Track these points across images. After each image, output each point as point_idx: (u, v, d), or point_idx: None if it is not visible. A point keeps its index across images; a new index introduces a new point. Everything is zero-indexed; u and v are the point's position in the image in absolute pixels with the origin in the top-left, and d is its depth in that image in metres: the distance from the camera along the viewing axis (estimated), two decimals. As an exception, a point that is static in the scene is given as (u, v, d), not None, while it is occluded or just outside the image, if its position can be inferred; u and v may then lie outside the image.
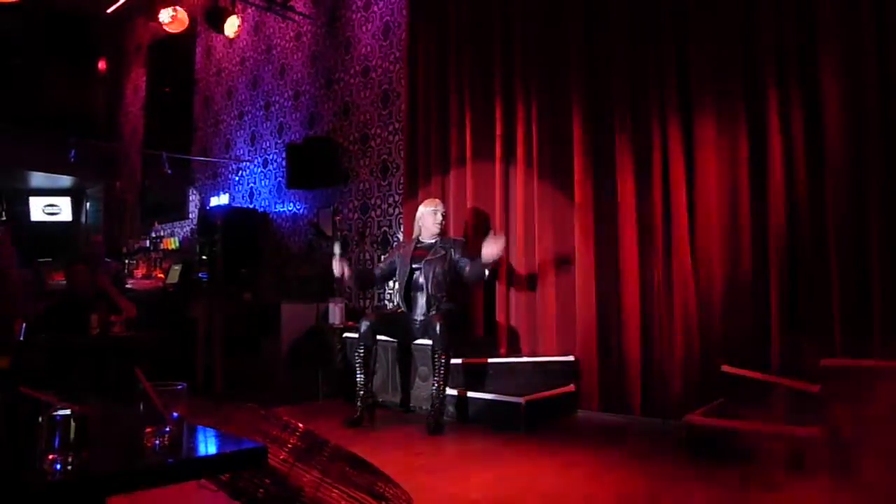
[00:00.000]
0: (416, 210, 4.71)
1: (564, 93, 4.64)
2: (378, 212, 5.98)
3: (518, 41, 4.91)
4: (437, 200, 4.68)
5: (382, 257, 4.48)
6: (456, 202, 5.21)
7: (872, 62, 3.49)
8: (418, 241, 4.56)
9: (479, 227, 5.04)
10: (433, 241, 4.50)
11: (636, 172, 4.28)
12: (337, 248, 4.45)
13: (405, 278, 4.43)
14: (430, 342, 4.19)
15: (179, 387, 1.36)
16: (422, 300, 4.38)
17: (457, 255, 4.37)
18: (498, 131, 4.98)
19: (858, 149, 3.51)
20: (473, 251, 4.37)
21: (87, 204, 10.27)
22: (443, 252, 4.40)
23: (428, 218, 4.51)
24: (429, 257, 4.40)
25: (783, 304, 3.68)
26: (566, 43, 4.65)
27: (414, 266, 4.43)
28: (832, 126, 3.58)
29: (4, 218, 9.48)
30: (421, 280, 4.38)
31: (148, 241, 8.39)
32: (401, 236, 5.61)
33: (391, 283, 4.57)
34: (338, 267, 4.38)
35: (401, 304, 4.49)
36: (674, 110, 4.12)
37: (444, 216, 4.61)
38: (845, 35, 3.56)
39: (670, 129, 4.14)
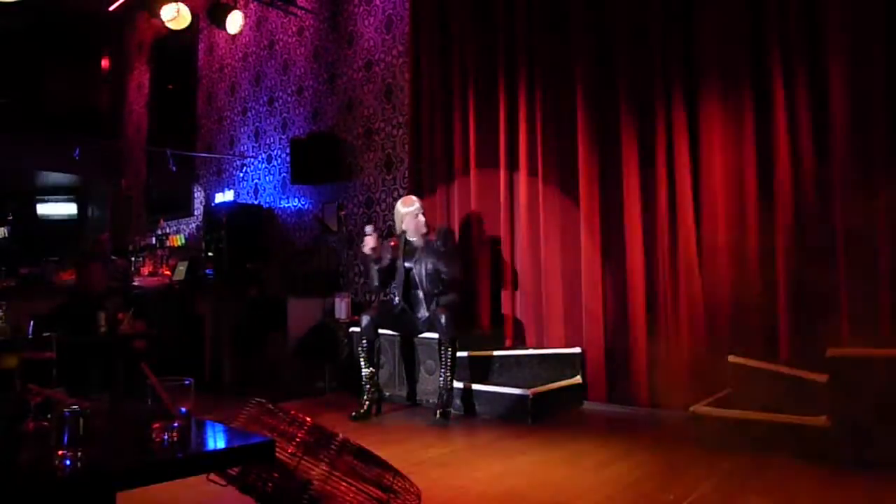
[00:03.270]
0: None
1: (568, 81, 4.62)
2: (383, 206, 5.98)
3: (521, 31, 4.89)
4: (412, 199, 4.55)
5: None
6: (461, 194, 5.20)
7: (880, 40, 3.47)
8: (406, 241, 4.46)
9: (484, 218, 5.04)
10: (419, 238, 4.43)
11: (641, 161, 4.27)
12: (369, 229, 4.44)
13: (402, 278, 4.44)
14: (434, 336, 4.21)
15: (187, 382, 1.37)
16: (421, 296, 4.41)
17: (438, 243, 4.39)
18: (502, 122, 4.96)
19: (865, 134, 3.49)
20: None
21: (93, 202, 10.30)
22: (431, 246, 4.40)
23: (410, 221, 4.42)
24: (418, 256, 4.39)
25: (790, 293, 3.67)
26: (570, 32, 4.63)
27: (407, 265, 4.44)
28: (838, 112, 3.56)
29: (11, 217, 9.52)
30: (416, 278, 4.40)
31: (154, 239, 8.39)
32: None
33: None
34: (372, 240, 4.36)
35: (401, 303, 4.48)
36: (679, 98, 4.11)
37: (424, 213, 4.49)
38: (851, 13, 3.54)
39: (675, 116, 4.12)
